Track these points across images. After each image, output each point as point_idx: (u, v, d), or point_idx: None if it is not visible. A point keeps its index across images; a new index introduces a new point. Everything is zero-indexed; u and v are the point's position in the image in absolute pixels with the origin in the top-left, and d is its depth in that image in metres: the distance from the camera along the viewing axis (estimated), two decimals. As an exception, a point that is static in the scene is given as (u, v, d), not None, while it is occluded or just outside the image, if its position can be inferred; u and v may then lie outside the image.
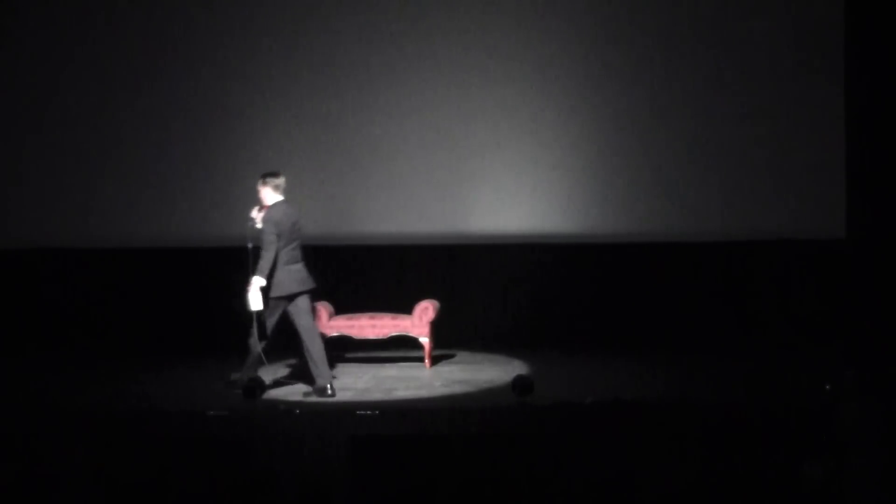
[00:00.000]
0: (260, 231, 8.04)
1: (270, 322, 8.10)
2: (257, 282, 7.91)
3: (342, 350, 9.68)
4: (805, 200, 10.01)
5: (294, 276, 8.08)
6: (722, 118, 10.12)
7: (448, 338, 9.71)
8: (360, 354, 9.72)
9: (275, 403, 7.77)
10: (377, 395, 8.19)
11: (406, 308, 9.47)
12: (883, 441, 6.14)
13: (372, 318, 9.42)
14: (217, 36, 10.27)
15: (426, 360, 9.36)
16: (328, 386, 8.03)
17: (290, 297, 8.07)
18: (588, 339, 9.90)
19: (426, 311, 9.41)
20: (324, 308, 9.43)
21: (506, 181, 10.23)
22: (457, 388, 8.44)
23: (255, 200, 8.21)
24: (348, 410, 7.45)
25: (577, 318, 10.06)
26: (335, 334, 9.36)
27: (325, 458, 6.72)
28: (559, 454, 6.58)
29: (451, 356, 9.69)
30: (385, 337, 9.41)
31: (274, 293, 8.01)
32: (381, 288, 10.12)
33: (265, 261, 7.92)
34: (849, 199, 9.92)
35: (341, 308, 9.59)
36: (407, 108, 10.26)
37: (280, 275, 8.01)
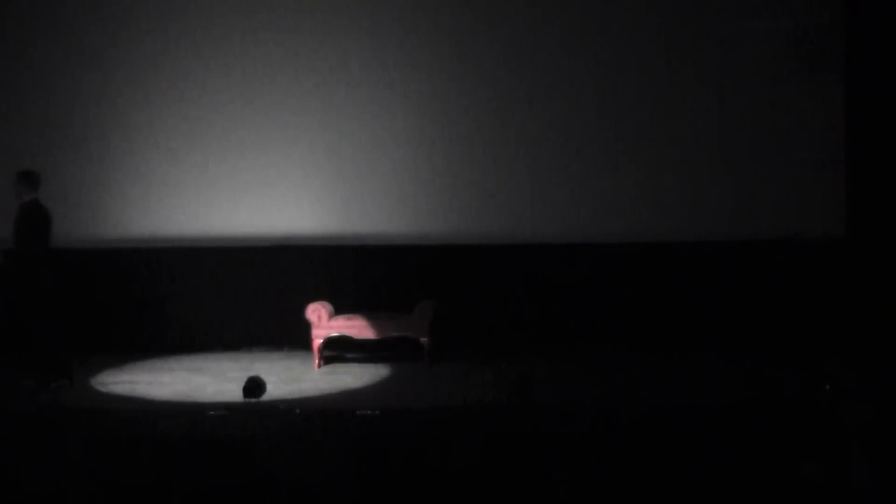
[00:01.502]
0: (15, 230, 8.20)
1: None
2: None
3: (342, 350, 9.68)
4: (805, 200, 10.01)
5: (46, 273, 8.26)
6: (722, 118, 10.11)
7: (448, 338, 9.70)
8: (360, 354, 9.72)
9: (275, 403, 7.77)
10: (377, 395, 8.19)
11: (406, 308, 9.46)
12: (883, 441, 6.14)
13: (372, 318, 9.41)
14: (213, 36, 10.27)
15: (426, 360, 9.35)
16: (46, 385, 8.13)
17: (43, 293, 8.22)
18: (588, 339, 9.89)
19: (426, 311, 9.40)
20: (324, 308, 9.42)
21: (505, 181, 10.21)
22: (456, 389, 8.43)
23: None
24: (348, 410, 7.45)
25: (577, 318, 10.04)
26: (335, 334, 9.36)
27: (325, 458, 6.72)
28: (559, 454, 6.57)
29: (451, 356, 9.69)
30: (385, 337, 9.40)
31: (30, 288, 8.17)
32: (382, 288, 10.10)
33: (22, 257, 8.13)
34: (849, 199, 9.92)
35: (341, 308, 9.59)
36: (407, 108, 10.24)
37: (35, 271, 8.17)
